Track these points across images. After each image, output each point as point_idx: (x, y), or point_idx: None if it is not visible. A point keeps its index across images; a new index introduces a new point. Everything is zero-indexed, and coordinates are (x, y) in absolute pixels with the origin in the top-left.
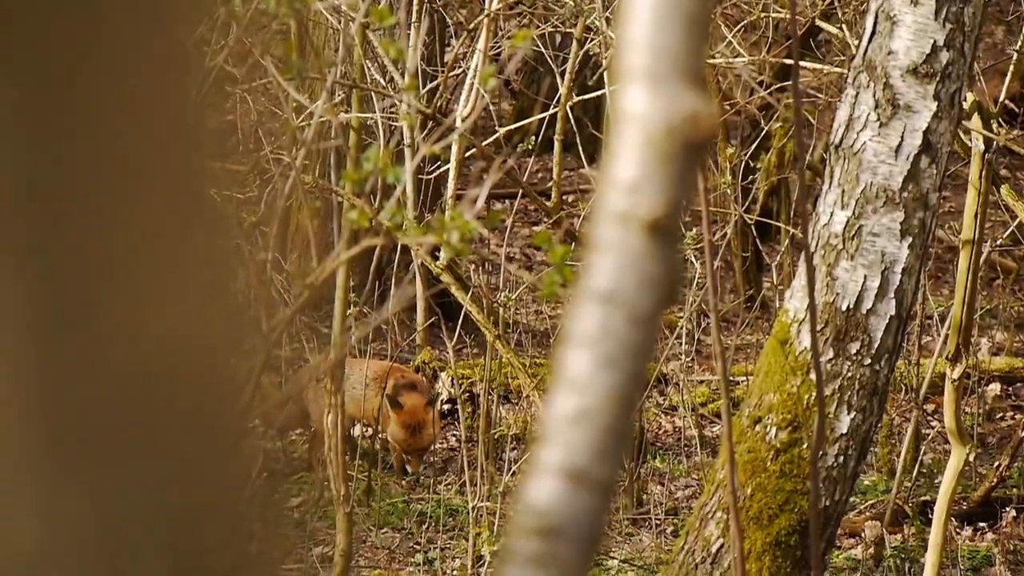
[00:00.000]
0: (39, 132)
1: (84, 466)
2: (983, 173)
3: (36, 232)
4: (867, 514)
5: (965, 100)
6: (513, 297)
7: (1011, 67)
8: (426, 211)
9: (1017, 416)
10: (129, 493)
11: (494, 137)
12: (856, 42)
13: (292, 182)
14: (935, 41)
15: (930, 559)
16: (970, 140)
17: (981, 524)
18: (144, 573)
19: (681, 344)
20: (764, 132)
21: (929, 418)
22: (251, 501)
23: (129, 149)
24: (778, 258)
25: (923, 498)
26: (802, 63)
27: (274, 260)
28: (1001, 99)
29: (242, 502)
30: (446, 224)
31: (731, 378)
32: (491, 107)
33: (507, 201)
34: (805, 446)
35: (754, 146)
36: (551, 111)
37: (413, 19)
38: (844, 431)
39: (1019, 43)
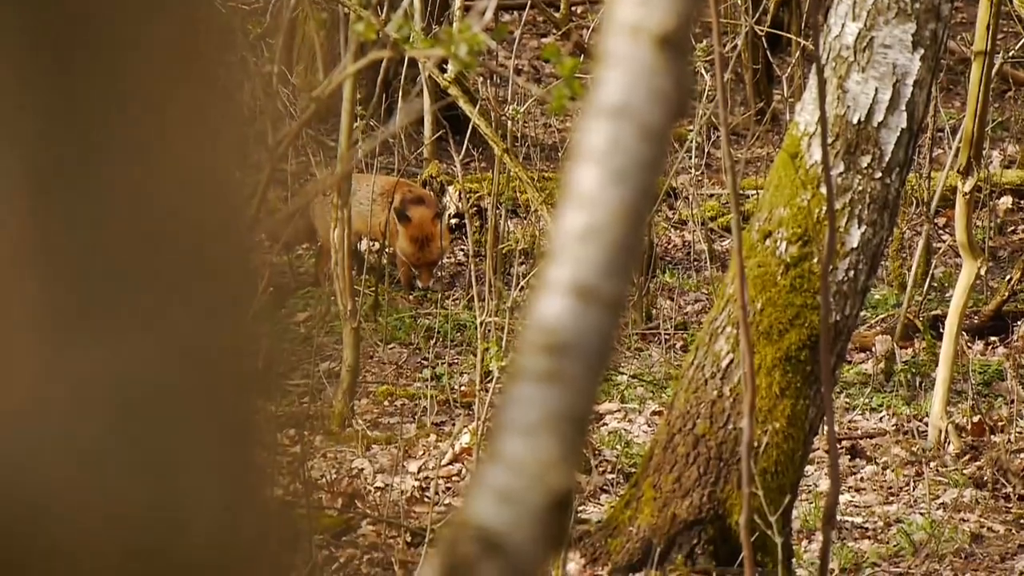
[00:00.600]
0: None
1: (88, 318)
2: None
3: (32, 76)
4: (878, 328)
5: None
6: (521, 110)
7: None
8: (433, 23)
9: None
10: (136, 345)
11: None
12: None
13: None
14: None
15: (941, 373)
16: None
17: (992, 338)
18: (147, 428)
19: (691, 158)
20: None
21: (940, 231)
22: (258, 316)
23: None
24: (789, 70)
25: (934, 312)
26: None
27: (280, 73)
28: None
29: (253, 352)
30: (454, 37)
31: (741, 192)
32: None
33: (515, 12)
34: (815, 260)
35: None
36: None
37: None
38: (855, 245)
39: None
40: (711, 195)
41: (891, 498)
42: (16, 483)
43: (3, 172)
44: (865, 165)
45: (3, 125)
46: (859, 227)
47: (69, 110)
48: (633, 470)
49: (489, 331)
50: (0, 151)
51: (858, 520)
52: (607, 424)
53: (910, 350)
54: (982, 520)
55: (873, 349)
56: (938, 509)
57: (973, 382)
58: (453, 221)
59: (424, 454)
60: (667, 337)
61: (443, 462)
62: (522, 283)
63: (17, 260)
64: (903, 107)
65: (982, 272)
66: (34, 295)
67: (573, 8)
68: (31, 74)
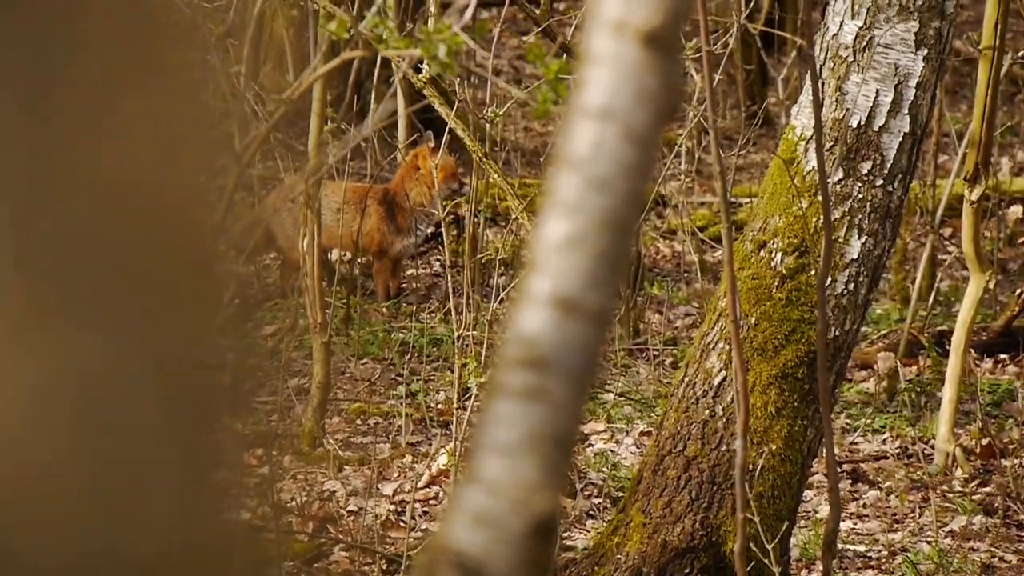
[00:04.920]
0: None
1: (41, 322)
2: None
3: None
4: (880, 345)
5: None
6: (501, 113)
7: None
8: (408, 21)
9: None
10: (92, 350)
11: None
12: None
13: None
14: None
15: (948, 393)
16: None
17: (1002, 355)
18: (133, 405)
19: (680, 163)
20: None
21: (946, 243)
22: (224, 329)
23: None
24: (784, 71)
25: (940, 328)
26: None
27: (246, 73)
28: None
29: (218, 330)
30: (432, 36)
31: (733, 200)
32: None
33: (494, 9)
34: (813, 272)
35: None
36: None
37: None
38: (855, 256)
39: None
40: (702, 203)
41: (896, 525)
42: None
43: None
44: (865, 172)
45: None
46: (859, 237)
47: (19, 116)
48: (621, 494)
49: (467, 346)
50: None
51: (861, 548)
52: (593, 445)
53: (914, 368)
54: (993, 549)
55: (875, 367)
56: (946, 537)
57: (982, 402)
58: (429, 230)
59: (399, 476)
60: (656, 353)
61: (419, 484)
62: (502, 295)
63: None
64: (906, 110)
65: (991, 286)
66: (11, 292)
67: (555, 4)
68: None
